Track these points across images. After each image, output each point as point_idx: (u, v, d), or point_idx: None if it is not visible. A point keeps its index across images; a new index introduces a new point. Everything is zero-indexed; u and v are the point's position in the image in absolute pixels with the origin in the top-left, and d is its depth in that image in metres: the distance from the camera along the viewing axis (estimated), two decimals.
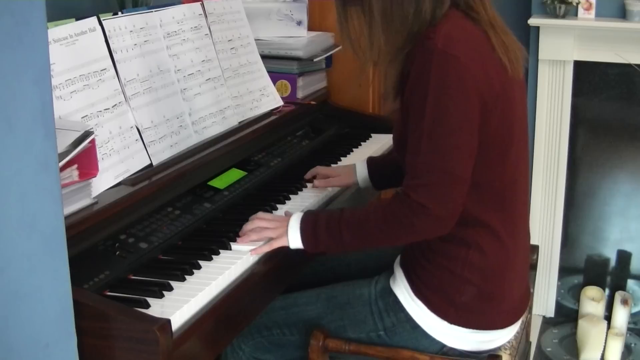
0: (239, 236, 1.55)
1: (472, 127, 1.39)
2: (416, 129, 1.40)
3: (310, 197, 1.82)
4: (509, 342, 1.58)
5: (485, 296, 1.48)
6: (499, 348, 1.56)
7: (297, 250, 1.51)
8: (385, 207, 1.45)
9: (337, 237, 1.47)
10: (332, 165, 2.03)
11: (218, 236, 1.56)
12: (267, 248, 1.51)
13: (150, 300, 1.30)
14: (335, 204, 1.83)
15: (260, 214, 1.58)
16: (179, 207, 1.62)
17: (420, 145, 1.39)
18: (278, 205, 1.75)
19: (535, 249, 1.83)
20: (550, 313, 3.15)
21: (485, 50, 1.43)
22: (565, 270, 3.14)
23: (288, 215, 1.55)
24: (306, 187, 1.87)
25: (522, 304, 1.59)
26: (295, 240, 1.50)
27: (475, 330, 1.50)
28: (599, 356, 2.82)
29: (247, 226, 1.55)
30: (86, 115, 1.55)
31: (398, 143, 1.53)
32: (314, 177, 1.88)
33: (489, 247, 1.47)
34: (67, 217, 1.33)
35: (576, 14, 2.82)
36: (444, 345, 1.50)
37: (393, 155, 1.92)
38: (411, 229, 1.42)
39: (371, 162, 1.84)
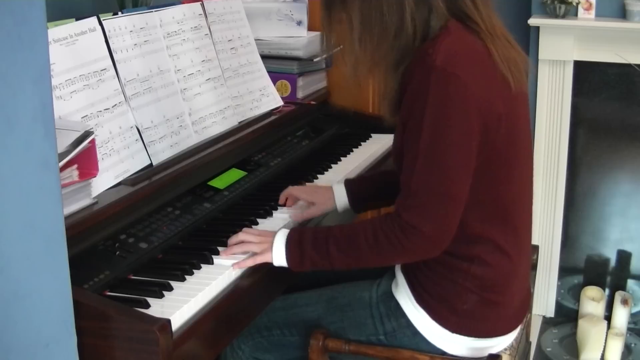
0: (225, 246, 1.51)
1: (471, 148, 1.35)
2: (412, 147, 1.36)
3: None
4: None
5: (488, 304, 1.47)
6: None
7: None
8: (376, 225, 1.41)
9: (324, 254, 1.43)
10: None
11: (218, 236, 1.56)
12: (250, 262, 1.46)
13: (150, 300, 1.30)
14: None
15: (246, 229, 1.54)
16: (179, 207, 1.62)
17: (415, 164, 1.35)
18: (278, 206, 1.75)
19: (535, 249, 1.83)
20: (550, 313, 3.15)
21: (488, 68, 1.38)
22: (565, 270, 3.14)
23: (271, 231, 1.51)
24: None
25: (523, 308, 1.58)
26: (279, 258, 1.45)
27: (476, 338, 1.49)
28: (599, 356, 2.82)
29: (232, 239, 1.51)
30: (86, 115, 1.55)
31: (396, 159, 1.49)
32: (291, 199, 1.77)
33: (492, 260, 1.45)
34: (67, 217, 1.33)
35: (576, 14, 2.82)
36: (444, 353, 1.50)
37: (371, 174, 1.89)
38: (401, 250, 1.38)
39: (350, 185, 1.73)
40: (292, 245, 1.45)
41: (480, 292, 1.45)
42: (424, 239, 1.37)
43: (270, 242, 1.46)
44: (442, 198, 1.35)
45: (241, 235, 1.50)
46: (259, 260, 1.46)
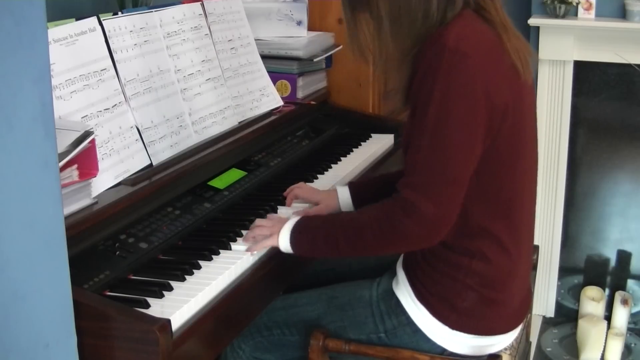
0: (240, 236, 1.56)
1: (477, 129, 1.36)
2: (419, 126, 1.37)
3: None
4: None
5: (488, 302, 1.47)
6: None
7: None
8: (378, 208, 1.42)
9: (330, 240, 1.44)
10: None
11: (218, 236, 1.56)
12: (259, 247, 1.50)
13: (150, 300, 1.30)
14: None
15: (264, 218, 1.59)
16: (179, 207, 1.62)
17: (421, 142, 1.36)
18: (278, 206, 1.75)
19: (535, 249, 1.83)
20: (550, 313, 3.15)
21: (498, 54, 1.39)
22: (565, 270, 3.14)
23: (285, 218, 1.55)
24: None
25: (523, 308, 1.58)
26: (284, 241, 1.48)
27: (476, 336, 1.49)
28: (599, 356, 2.82)
29: (250, 228, 1.55)
30: (86, 115, 1.55)
31: (405, 148, 1.48)
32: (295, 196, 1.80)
33: (493, 256, 1.45)
34: (67, 217, 1.33)
35: (576, 14, 2.82)
36: (444, 350, 1.50)
37: (375, 176, 1.89)
38: (400, 230, 1.37)
39: (353, 187, 1.74)
40: (299, 231, 1.47)
41: (481, 290, 1.46)
42: (423, 219, 1.35)
43: (280, 227, 1.49)
44: (444, 177, 1.35)
45: (256, 221, 1.55)
46: (265, 243, 1.50)
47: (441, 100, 1.34)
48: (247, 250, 1.50)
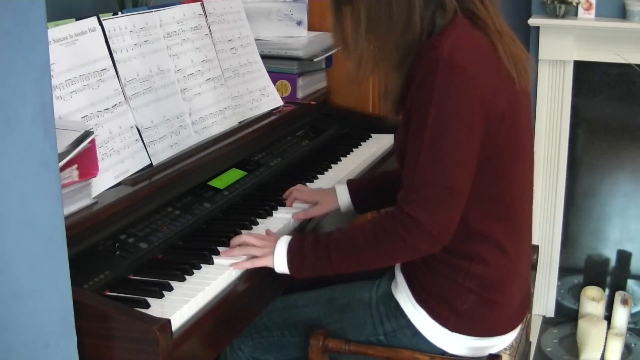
0: (226, 246, 1.51)
1: (474, 141, 1.35)
2: (416, 140, 1.36)
3: None
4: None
5: (488, 303, 1.47)
6: None
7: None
8: (375, 223, 1.41)
9: (324, 259, 1.42)
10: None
11: (218, 236, 1.56)
12: (249, 265, 1.46)
13: (150, 300, 1.30)
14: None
15: (249, 232, 1.55)
16: (179, 207, 1.62)
17: (419, 157, 1.35)
18: (278, 206, 1.74)
19: (535, 249, 1.83)
20: (550, 313, 3.15)
21: (493, 63, 1.38)
22: (565, 270, 3.14)
23: (274, 235, 1.52)
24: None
25: (523, 308, 1.58)
26: (280, 264, 1.45)
27: (476, 338, 1.49)
28: (599, 356, 2.82)
29: (234, 240, 1.51)
30: (86, 115, 1.55)
31: (400, 156, 1.48)
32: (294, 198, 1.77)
33: (492, 259, 1.45)
34: (67, 217, 1.33)
35: (576, 14, 2.82)
36: (444, 352, 1.50)
37: (374, 174, 1.88)
38: (402, 245, 1.37)
39: (352, 185, 1.73)
40: (294, 253, 1.44)
41: (480, 292, 1.45)
42: (425, 233, 1.35)
43: (272, 248, 1.46)
44: (444, 191, 1.35)
45: (244, 237, 1.50)
46: (259, 263, 1.46)
47: (438, 113, 1.33)
48: (234, 266, 1.44)
